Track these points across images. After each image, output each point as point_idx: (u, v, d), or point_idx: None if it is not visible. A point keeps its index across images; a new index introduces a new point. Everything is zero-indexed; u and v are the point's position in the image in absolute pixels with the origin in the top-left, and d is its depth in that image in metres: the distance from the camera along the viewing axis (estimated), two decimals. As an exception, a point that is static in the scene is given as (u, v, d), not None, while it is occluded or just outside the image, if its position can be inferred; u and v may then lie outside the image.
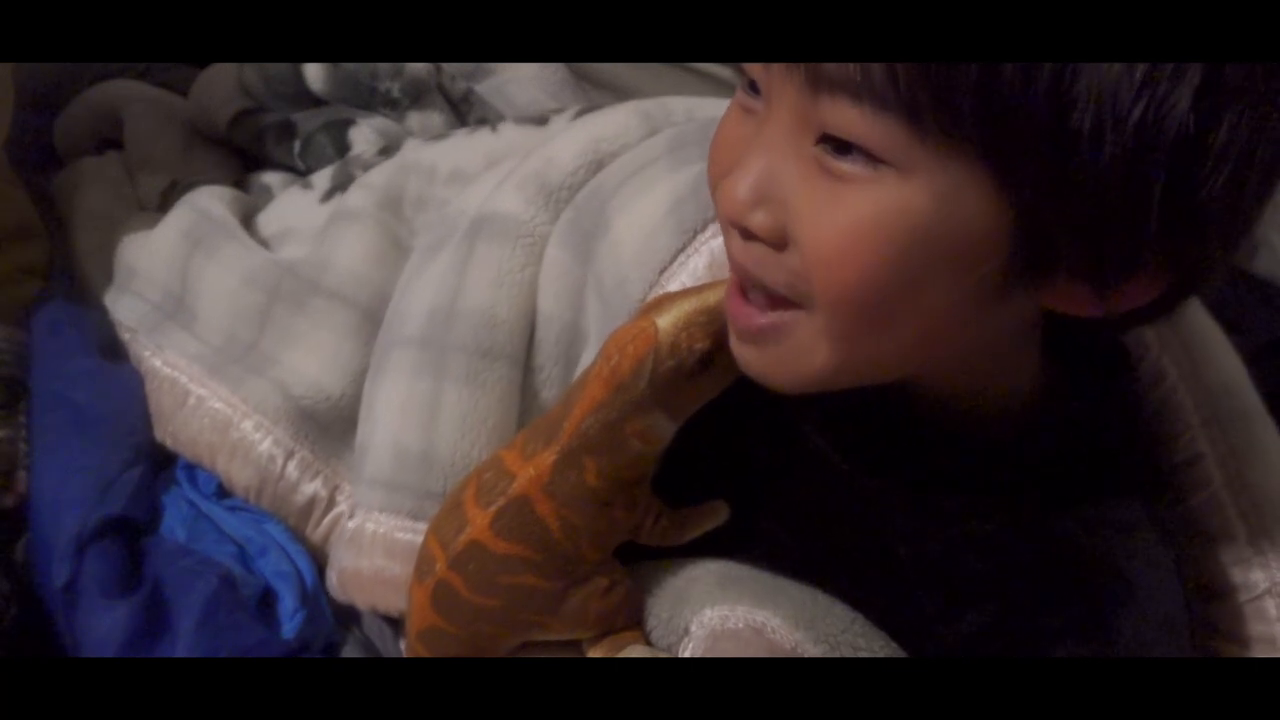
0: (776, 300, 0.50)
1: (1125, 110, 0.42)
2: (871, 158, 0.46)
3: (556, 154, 0.73)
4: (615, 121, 0.74)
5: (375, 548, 0.68)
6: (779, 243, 0.49)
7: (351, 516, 0.71)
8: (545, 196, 0.71)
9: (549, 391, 0.69)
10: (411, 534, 0.68)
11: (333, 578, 0.71)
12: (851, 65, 0.45)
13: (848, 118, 0.45)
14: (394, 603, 0.69)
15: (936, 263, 0.47)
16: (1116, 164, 0.43)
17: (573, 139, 0.74)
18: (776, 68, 0.48)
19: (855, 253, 0.46)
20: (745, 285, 0.51)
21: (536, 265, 0.70)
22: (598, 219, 0.68)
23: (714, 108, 0.75)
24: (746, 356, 0.53)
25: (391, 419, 0.69)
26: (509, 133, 0.83)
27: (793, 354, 0.51)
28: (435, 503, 0.67)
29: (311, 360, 0.75)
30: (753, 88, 0.50)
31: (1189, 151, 0.43)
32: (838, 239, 0.47)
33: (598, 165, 0.72)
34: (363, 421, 0.72)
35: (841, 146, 0.46)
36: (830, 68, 0.45)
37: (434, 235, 0.76)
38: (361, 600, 0.70)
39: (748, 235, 0.50)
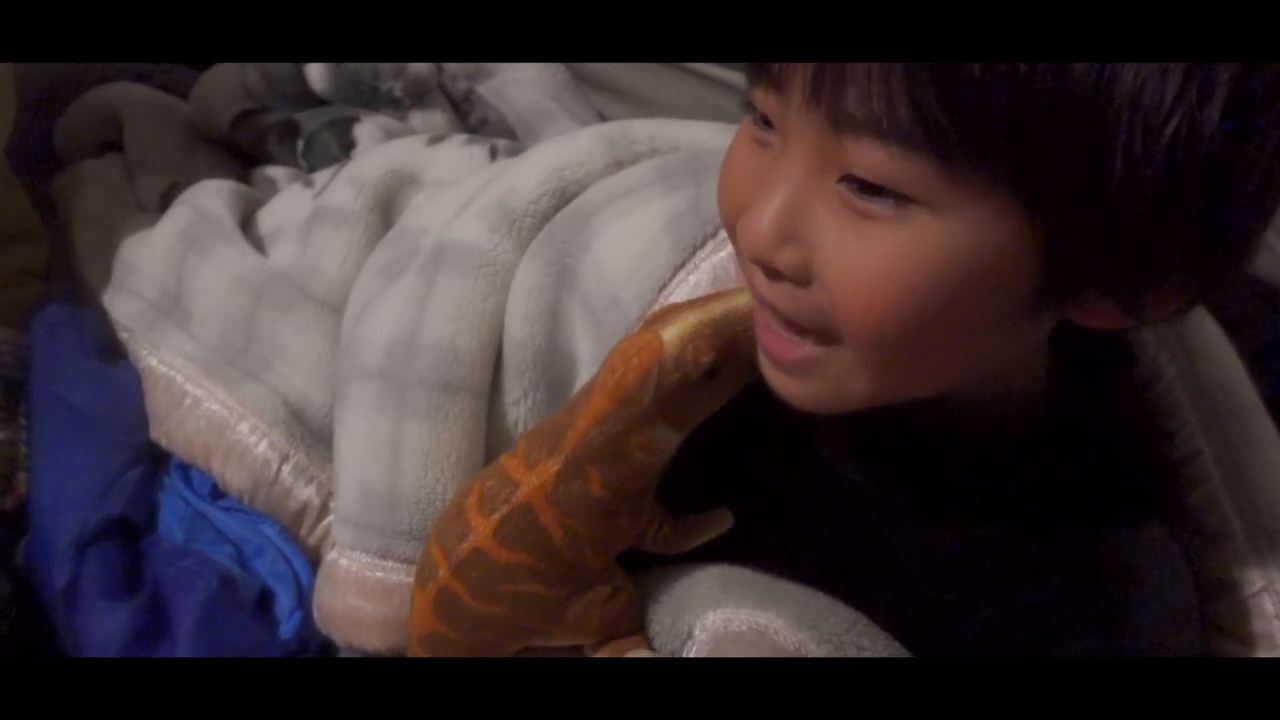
0: (804, 331, 0.50)
1: (1159, 128, 0.42)
2: (900, 197, 0.45)
3: (518, 182, 0.71)
4: (577, 148, 0.72)
5: (348, 586, 0.68)
6: (803, 280, 0.48)
7: (333, 546, 0.71)
8: (508, 225, 0.70)
9: (524, 417, 0.68)
10: (382, 572, 0.67)
11: (314, 611, 0.71)
12: (876, 105, 0.43)
13: (873, 159, 0.44)
14: (369, 641, 0.68)
15: (969, 293, 0.46)
16: (1150, 182, 0.43)
17: (533, 166, 0.72)
18: (794, 106, 0.46)
19: (888, 292, 0.46)
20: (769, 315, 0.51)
21: (499, 295, 0.68)
22: (576, 238, 0.67)
23: (679, 130, 0.74)
24: (787, 388, 0.52)
25: (355, 458, 0.68)
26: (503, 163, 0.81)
27: (833, 384, 0.50)
28: (404, 541, 0.67)
29: (300, 367, 0.75)
30: (765, 122, 0.49)
31: (1222, 163, 0.43)
32: (869, 278, 0.46)
33: (561, 192, 0.71)
34: (334, 452, 0.71)
35: (867, 186, 0.45)
36: (853, 108, 0.44)
37: (392, 254, 0.74)
38: (339, 637, 0.70)
39: (774, 275, 0.49)
